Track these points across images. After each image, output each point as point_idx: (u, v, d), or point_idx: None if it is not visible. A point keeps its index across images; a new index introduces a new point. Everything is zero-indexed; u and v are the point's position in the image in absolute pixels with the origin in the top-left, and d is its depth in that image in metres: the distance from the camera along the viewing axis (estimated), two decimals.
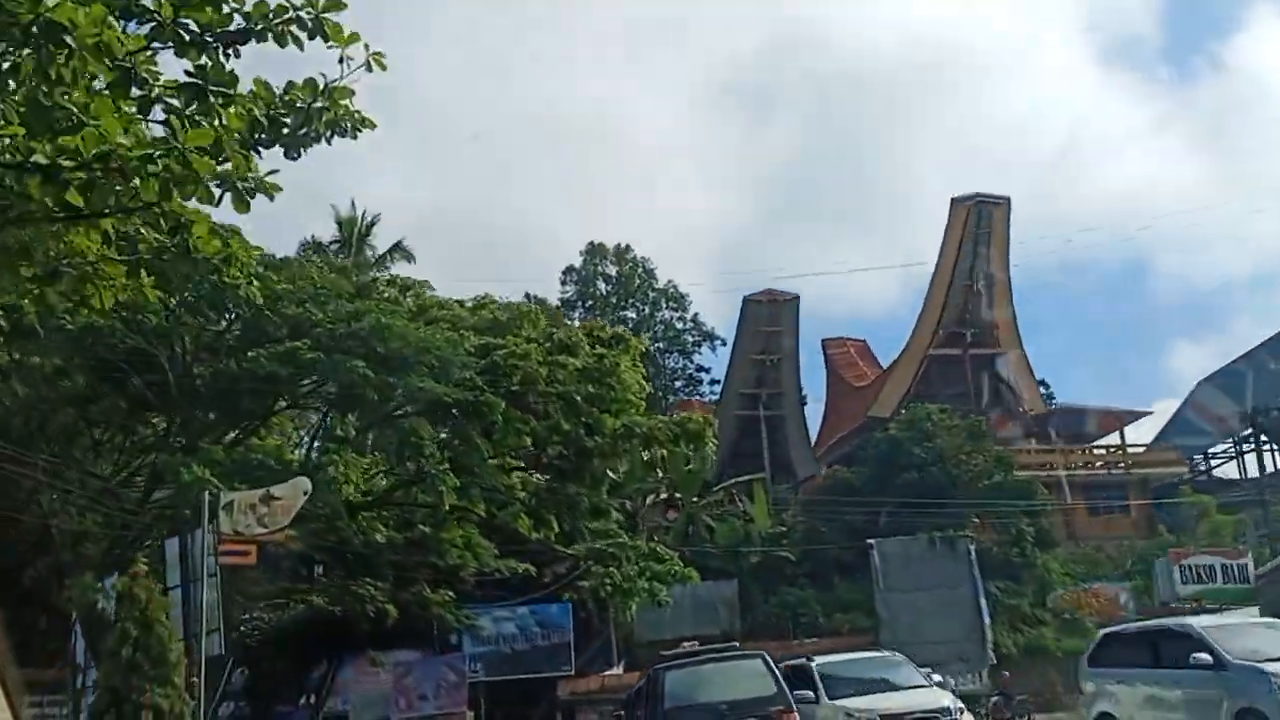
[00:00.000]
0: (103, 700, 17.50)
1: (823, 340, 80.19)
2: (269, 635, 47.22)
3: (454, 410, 27.67)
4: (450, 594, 34.36)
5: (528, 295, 61.04)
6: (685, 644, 24.43)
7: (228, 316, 27.27)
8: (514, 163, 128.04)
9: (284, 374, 26.00)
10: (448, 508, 28.91)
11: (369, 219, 54.95)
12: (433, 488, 26.98)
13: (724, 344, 77.43)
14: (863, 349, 79.66)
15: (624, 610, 32.31)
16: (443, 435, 28.87)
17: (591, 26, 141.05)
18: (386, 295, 32.59)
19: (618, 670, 40.67)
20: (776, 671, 20.14)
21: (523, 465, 31.42)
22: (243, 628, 47.53)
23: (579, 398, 29.11)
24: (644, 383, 31.36)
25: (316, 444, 35.24)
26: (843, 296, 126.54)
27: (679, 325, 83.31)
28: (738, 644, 25.45)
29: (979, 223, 63.50)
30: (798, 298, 64.62)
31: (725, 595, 39.72)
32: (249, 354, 26.01)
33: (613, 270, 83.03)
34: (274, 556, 29.26)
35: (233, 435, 29.13)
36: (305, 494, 22.49)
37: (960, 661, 40.23)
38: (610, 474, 32.62)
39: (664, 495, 48.47)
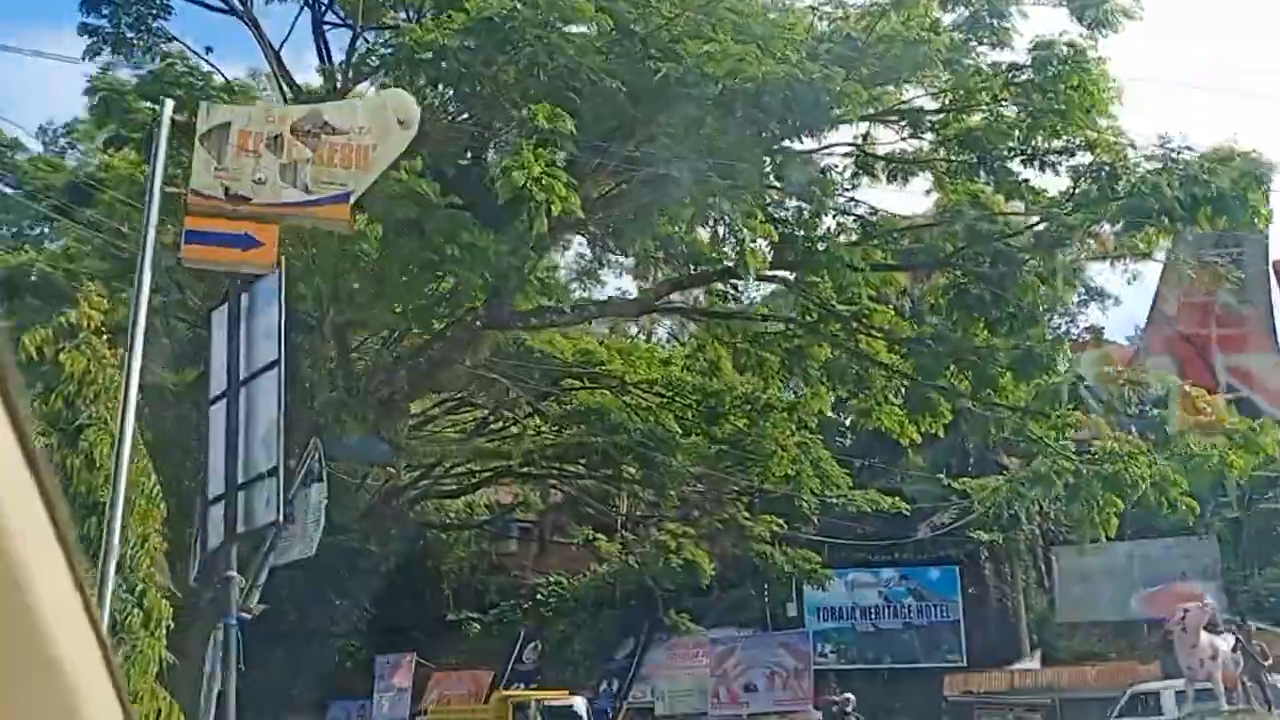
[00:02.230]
0: None
1: None
2: (563, 599, 38.29)
3: None
4: (781, 524, 23.14)
5: None
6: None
7: None
8: None
9: None
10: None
11: None
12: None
13: None
14: None
15: (1089, 527, 19.05)
16: None
17: None
18: None
19: (1031, 663, 27.77)
20: None
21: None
22: (539, 594, 38.99)
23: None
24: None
25: None
26: None
27: None
28: None
29: None
30: None
31: (1198, 555, 26.04)
32: None
33: None
34: None
35: None
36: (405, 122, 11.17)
37: None
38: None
39: None
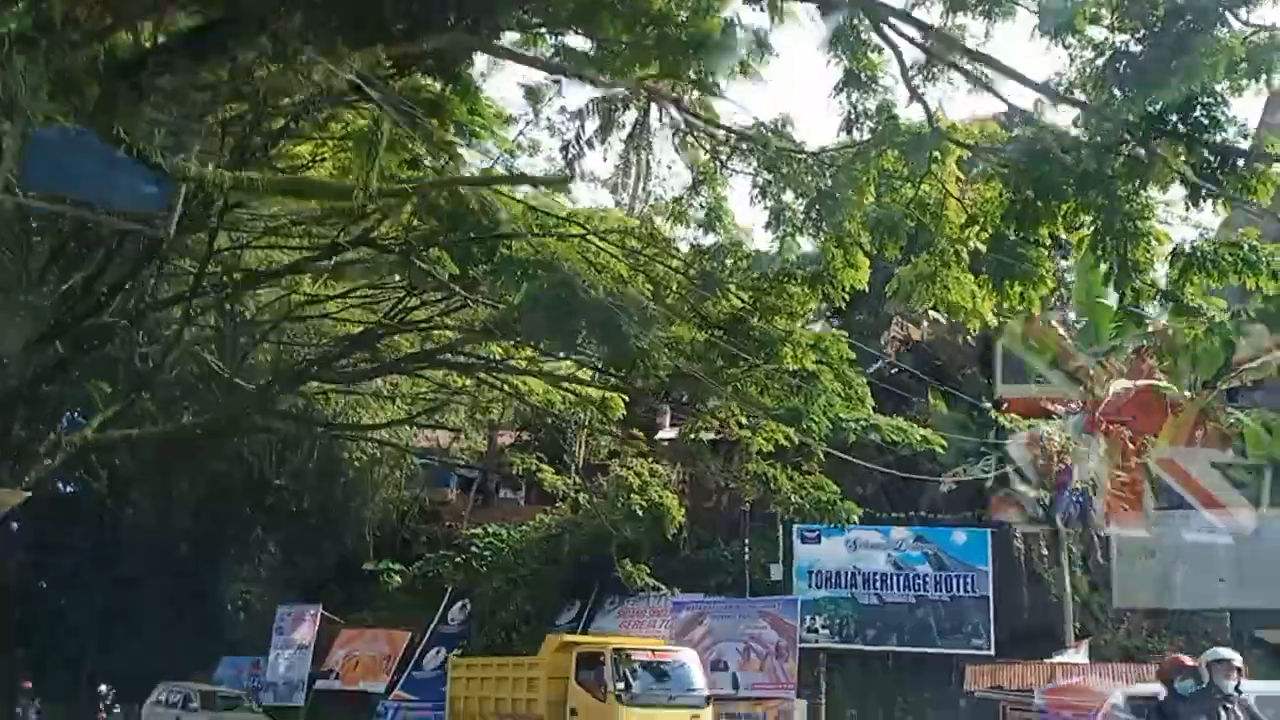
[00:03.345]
0: None
1: None
2: (500, 553, 32.47)
3: None
4: (791, 437, 17.17)
5: None
6: None
7: None
8: None
9: None
10: None
11: None
12: None
13: None
14: None
15: None
16: None
17: None
18: None
19: (1077, 655, 22.02)
20: None
21: None
22: (474, 545, 33.16)
23: None
24: None
25: None
26: None
27: None
28: None
29: None
30: None
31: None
32: None
33: None
34: None
35: None
36: None
37: None
38: None
39: None
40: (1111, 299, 26.49)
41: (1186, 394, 25.83)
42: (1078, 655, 21.80)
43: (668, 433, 33.80)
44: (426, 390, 25.77)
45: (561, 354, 16.56)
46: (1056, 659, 21.67)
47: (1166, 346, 25.40)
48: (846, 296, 14.83)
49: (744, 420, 16.86)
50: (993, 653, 22.29)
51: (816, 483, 18.04)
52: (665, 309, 15.14)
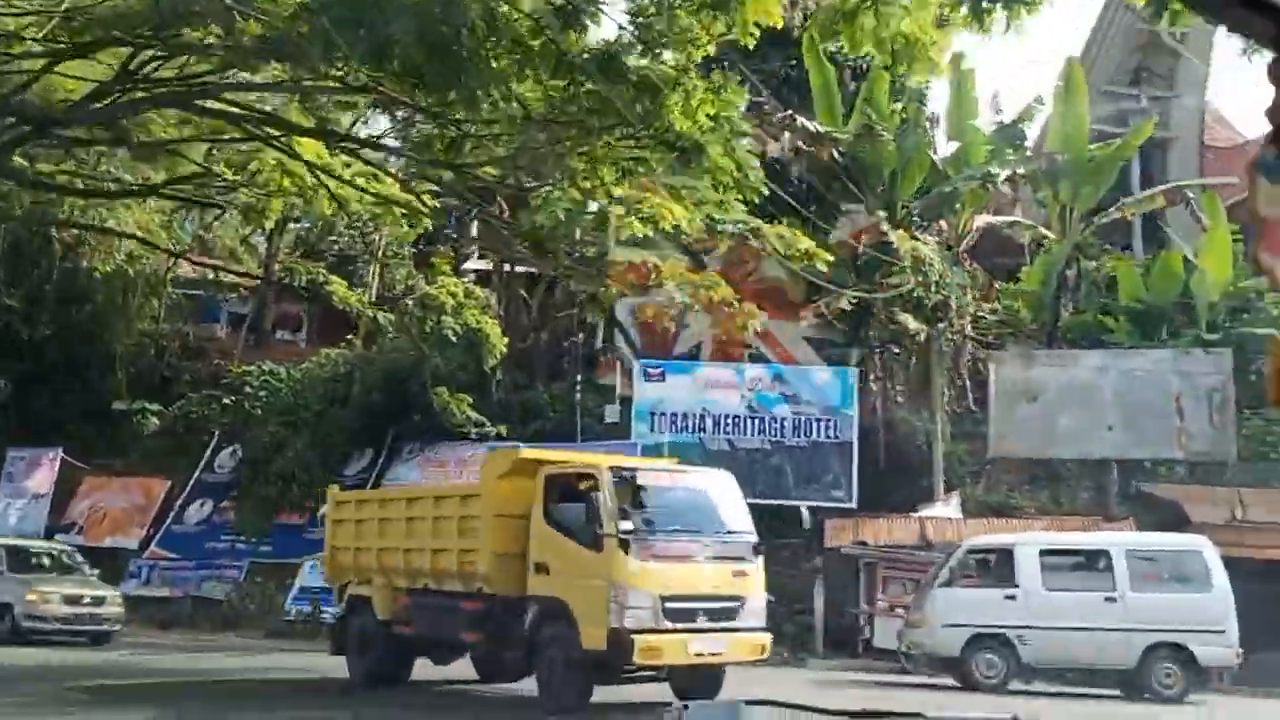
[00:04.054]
0: None
1: None
2: (277, 393, 28.14)
3: None
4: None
5: None
6: None
7: None
8: None
9: None
10: None
11: None
12: None
13: None
14: None
15: None
16: None
17: None
18: None
19: (946, 508, 19.68)
20: None
21: None
22: (247, 385, 28.64)
23: None
24: None
25: None
26: None
27: None
28: None
29: None
30: None
31: (1197, 373, 18.03)
32: None
33: None
34: None
35: None
36: None
37: None
38: None
39: None
40: (984, 120, 23.90)
41: (1049, 235, 23.65)
42: (948, 508, 19.47)
43: (476, 263, 29.76)
44: (189, 183, 20.75)
45: (360, 77, 11.94)
46: (924, 513, 19.28)
47: (1046, 175, 23.01)
48: (754, 35, 11.11)
49: (615, 193, 12.92)
50: (854, 505, 19.69)
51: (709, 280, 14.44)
52: (512, 38, 10.99)
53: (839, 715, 7.01)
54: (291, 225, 30.66)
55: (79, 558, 22.00)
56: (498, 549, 12.47)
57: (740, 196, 13.08)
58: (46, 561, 21.31)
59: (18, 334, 29.47)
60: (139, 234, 23.53)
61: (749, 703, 7.50)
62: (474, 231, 29.27)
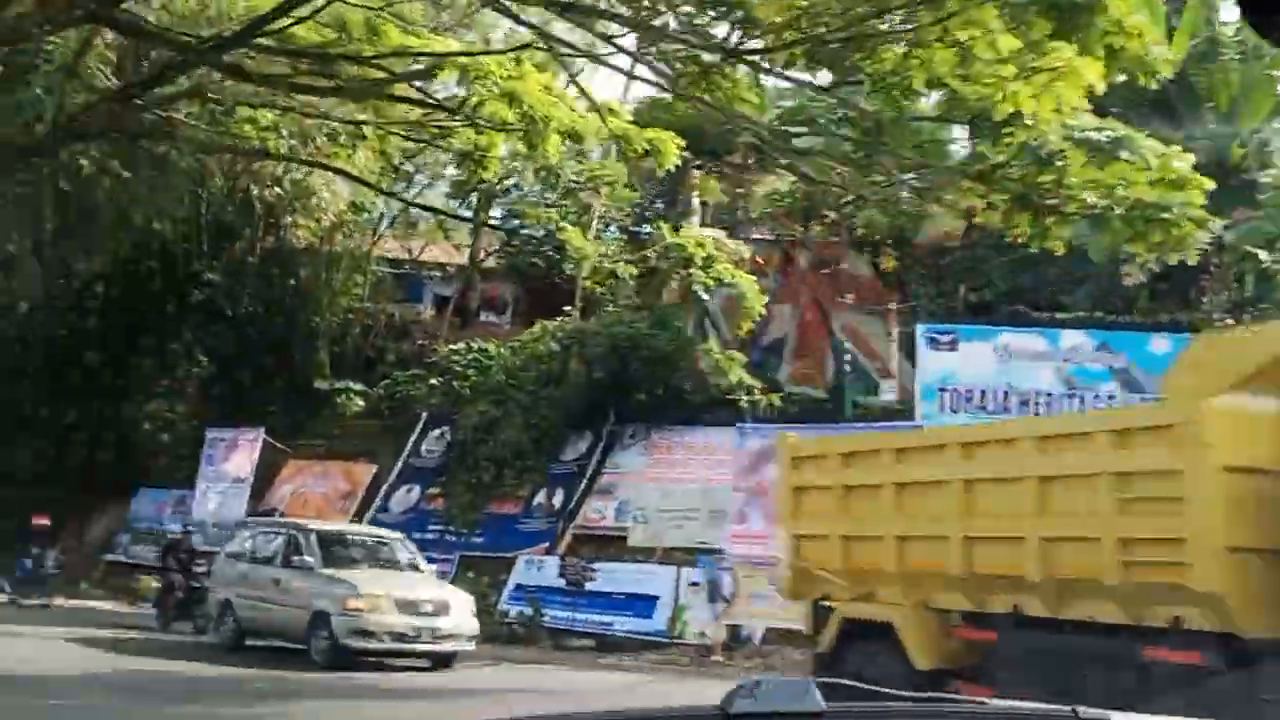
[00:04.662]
0: None
1: None
2: (487, 372, 25.96)
3: None
4: None
5: None
6: None
7: None
8: None
9: None
10: None
11: None
12: None
13: None
14: None
15: None
16: None
17: None
18: None
19: None
20: None
21: None
22: (455, 365, 26.58)
23: None
24: None
25: None
26: None
27: None
28: None
29: None
30: None
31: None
32: None
33: None
34: None
35: None
36: None
37: None
38: None
39: None
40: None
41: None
42: None
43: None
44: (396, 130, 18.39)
45: None
46: None
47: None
48: None
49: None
50: None
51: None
52: None
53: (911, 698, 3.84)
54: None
55: (410, 547, 17.91)
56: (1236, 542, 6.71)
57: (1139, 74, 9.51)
58: (358, 554, 16.96)
59: (220, 310, 28.13)
60: (355, 174, 21.10)
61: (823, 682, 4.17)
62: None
